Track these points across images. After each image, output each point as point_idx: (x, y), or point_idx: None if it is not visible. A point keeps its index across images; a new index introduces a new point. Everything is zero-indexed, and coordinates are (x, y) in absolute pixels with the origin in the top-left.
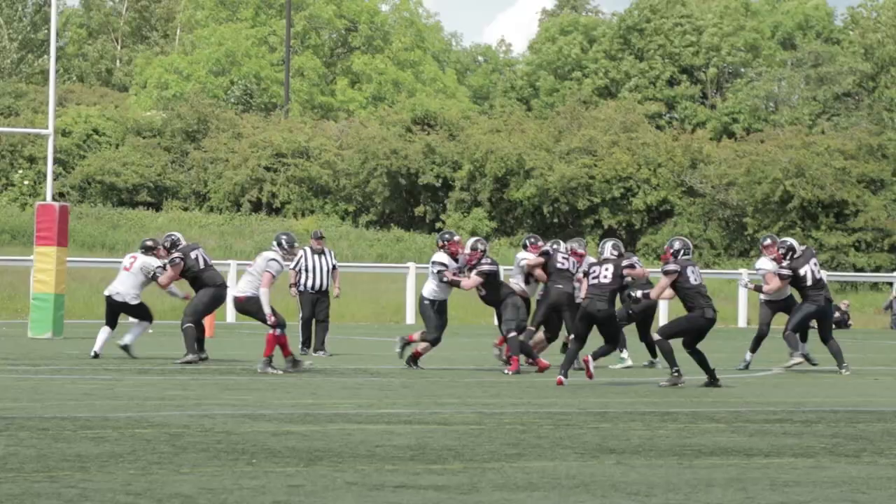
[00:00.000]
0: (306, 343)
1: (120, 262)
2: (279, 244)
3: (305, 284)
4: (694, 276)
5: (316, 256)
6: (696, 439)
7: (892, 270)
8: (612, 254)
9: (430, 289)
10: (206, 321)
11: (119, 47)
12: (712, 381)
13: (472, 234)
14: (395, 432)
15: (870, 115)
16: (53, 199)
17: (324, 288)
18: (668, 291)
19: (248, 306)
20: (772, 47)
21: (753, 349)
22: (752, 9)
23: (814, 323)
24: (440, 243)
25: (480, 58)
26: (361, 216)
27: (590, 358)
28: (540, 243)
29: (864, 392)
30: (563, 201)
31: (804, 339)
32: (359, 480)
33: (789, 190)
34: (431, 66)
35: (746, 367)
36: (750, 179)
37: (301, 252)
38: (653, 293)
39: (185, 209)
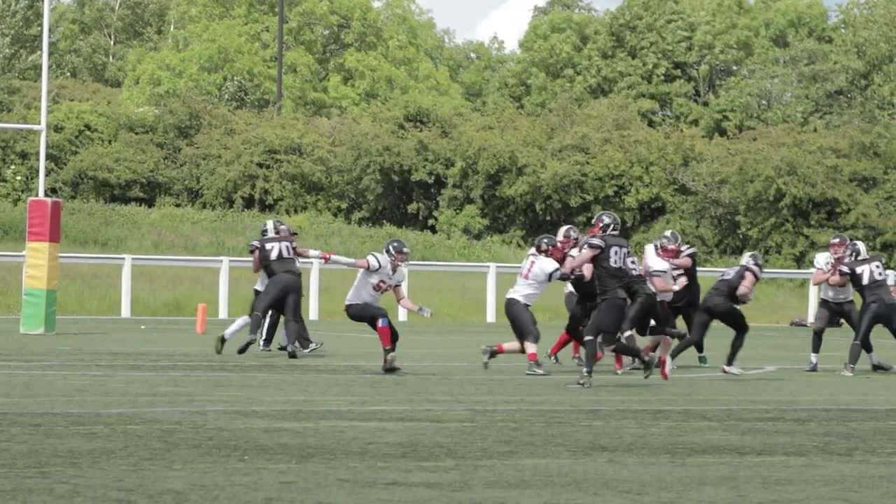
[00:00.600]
0: (269, 341)
1: (112, 258)
2: (387, 251)
3: None
4: (616, 257)
5: None
6: (688, 437)
7: (885, 269)
8: (748, 262)
9: (524, 293)
10: (199, 317)
11: (112, 43)
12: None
13: (465, 231)
14: (387, 429)
15: (862, 114)
16: (46, 194)
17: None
18: (587, 268)
19: (353, 311)
20: (764, 45)
21: (816, 349)
22: (745, 6)
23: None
24: (544, 248)
25: (473, 55)
26: (354, 213)
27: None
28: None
29: (856, 391)
30: (556, 199)
31: (869, 349)
32: (351, 477)
33: (781, 188)
34: (425, 63)
35: (813, 368)
36: (742, 177)
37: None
38: (569, 264)
39: (178, 205)
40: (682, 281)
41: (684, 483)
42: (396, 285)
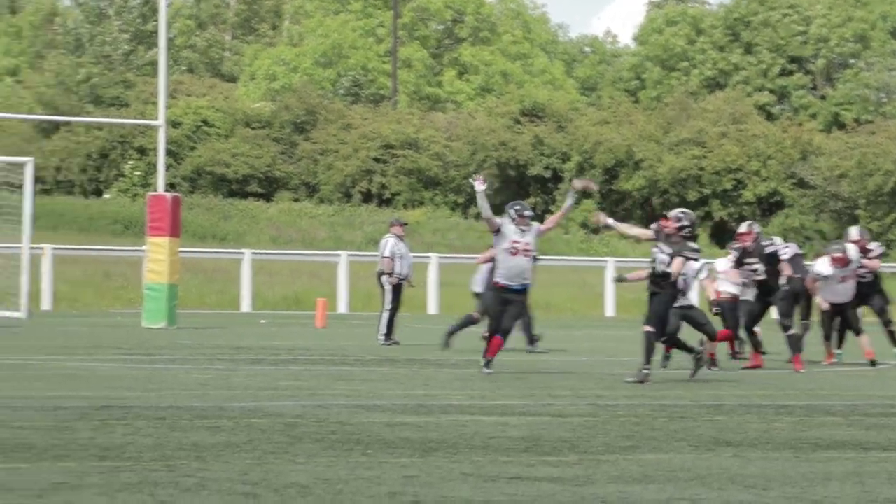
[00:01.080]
0: (391, 334)
1: (231, 253)
2: (509, 215)
3: (394, 272)
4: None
5: (403, 244)
6: (812, 432)
7: None
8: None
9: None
10: (318, 311)
11: (229, 38)
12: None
13: (583, 225)
14: (509, 424)
15: None
16: (165, 189)
17: (410, 276)
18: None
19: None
20: (882, 38)
21: None
22: None
23: None
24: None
25: (587, 49)
26: (471, 207)
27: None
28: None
29: None
30: (673, 192)
31: None
32: (474, 472)
33: None
34: (540, 57)
35: None
36: (861, 171)
37: (391, 239)
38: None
39: (296, 200)
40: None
41: (809, 478)
42: (537, 236)
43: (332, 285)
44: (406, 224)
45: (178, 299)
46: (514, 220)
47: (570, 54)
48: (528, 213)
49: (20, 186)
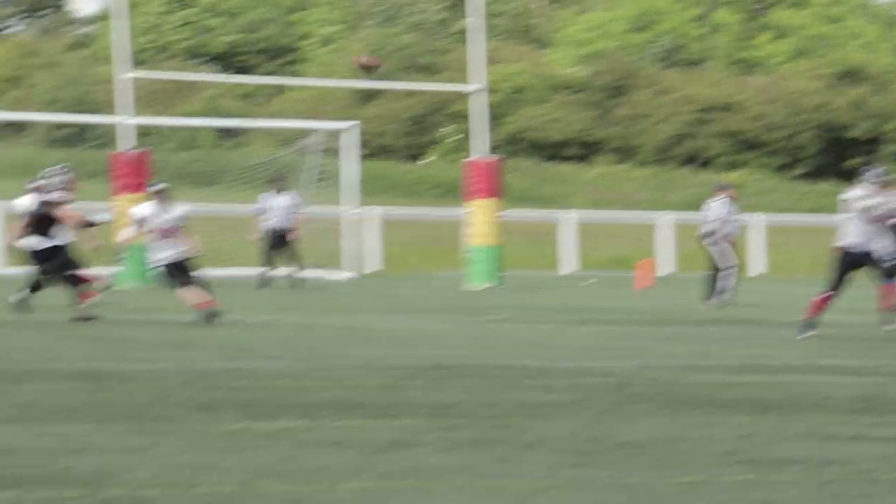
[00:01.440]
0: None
1: (552, 215)
2: (866, 178)
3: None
4: None
5: (731, 206)
6: None
7: None
8: None
9: None
10: (641, 273)
11: (543, 3)
12: None
13: None
14: (843, 384)
15: None
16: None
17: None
18: None
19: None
20: None
21: None
22: None
23: None
24: None
25: None
26: (790, 170)
27: None
28: None
29: None
30: None
31: None
32: (810, 432)
33: None
34: (857, 20)
35: None
36: None
37: (720, 202)
38: None
39: (615, 163)
40: None
41: None
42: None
43: (654, 247)
44: (735, 188)
45: (501, 261)
46: (873, 184)
47: (886, 16)
48: (886, 177)
49: (340, 152)
